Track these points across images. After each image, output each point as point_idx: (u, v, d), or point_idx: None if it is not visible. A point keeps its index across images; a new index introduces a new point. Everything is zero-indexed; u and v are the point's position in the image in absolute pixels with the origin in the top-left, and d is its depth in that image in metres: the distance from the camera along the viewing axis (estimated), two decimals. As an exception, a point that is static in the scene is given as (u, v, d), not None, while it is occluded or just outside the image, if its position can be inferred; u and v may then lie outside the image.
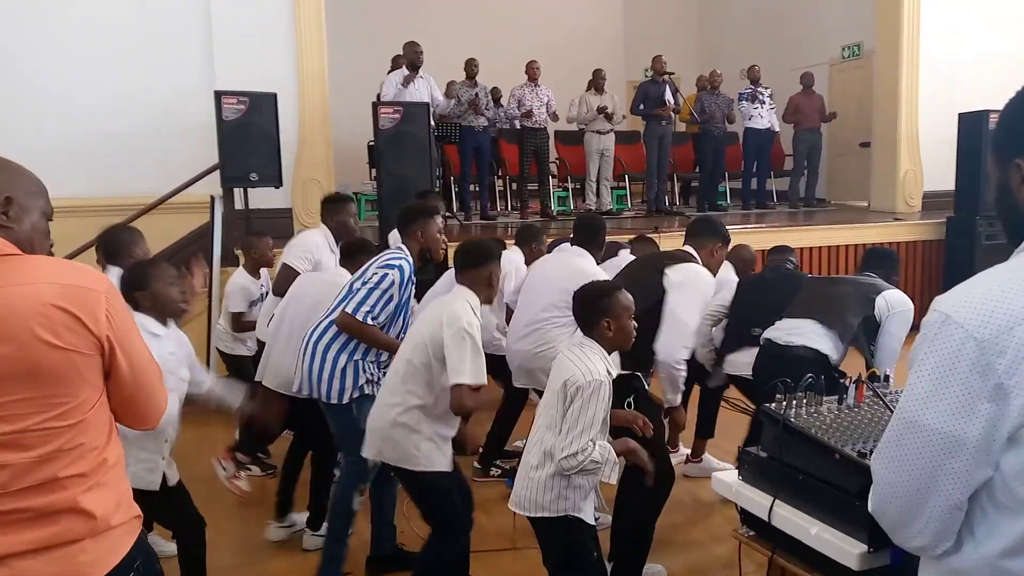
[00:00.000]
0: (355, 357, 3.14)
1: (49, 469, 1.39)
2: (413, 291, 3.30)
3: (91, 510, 1.43)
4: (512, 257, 4.43)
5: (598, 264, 4.01)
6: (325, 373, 3.14)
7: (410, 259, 3.22)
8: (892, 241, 7.45)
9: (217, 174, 5.87)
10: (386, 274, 3.13)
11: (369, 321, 3.09)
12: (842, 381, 2.22)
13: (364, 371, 3.15)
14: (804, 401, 2.06)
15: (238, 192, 5.98)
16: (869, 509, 1.19)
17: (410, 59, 7.19)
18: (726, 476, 2.22)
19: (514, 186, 9.08)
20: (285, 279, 4.07)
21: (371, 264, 3.22)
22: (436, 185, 7.29)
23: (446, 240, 3.41)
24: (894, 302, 3.34)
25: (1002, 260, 1.12)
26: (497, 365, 4.08)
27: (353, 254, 3.71)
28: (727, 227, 3.66)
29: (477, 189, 8.65)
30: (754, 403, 3.59)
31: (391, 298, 3.14)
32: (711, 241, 3.42)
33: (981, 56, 8.45)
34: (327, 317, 3.22)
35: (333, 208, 4.38)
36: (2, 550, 1.37)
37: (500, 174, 9.18)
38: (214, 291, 5.57)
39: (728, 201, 9.64)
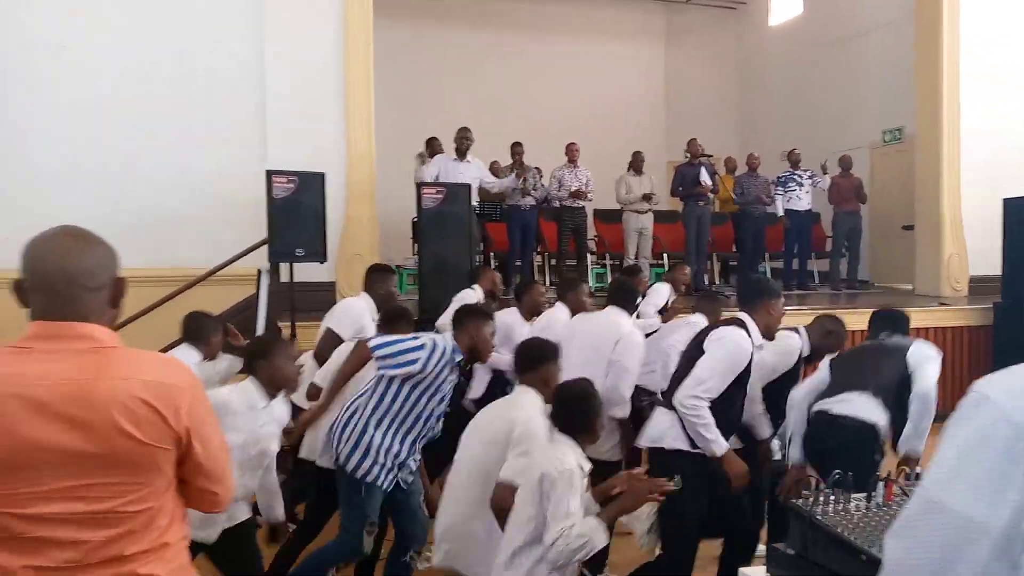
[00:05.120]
0: (382, 440, 3.17)
1: (116, 547, 1.48)
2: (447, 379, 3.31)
3: (150, 573, 1.51)
4: (558, 315, 4.53)
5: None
6: (350, 442, 3.19)
7: (450, 344, 3.25)
8: (938, 326, 7.32)
9: (265, 248, 6.08)
10: (416, 337, 3.20)
11: (376, 353, 3.14)
12: (876, 474, 2.19)
13: (385, 458, 3.19)
14: (831, 498, 2.04)
15: (284, 266, 6.17)
16: None
17: (457, 143, 7.48)
18: (754, 573, 2.19)
19: (553, 262, 9.20)
20: (328, 344, 4.14)
21: None
22: (476, 261, 7.45)
23: (493, 344, 3.47)
24: (924, 349, 3.48)
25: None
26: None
27: (393, 321, 3.78)
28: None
29: (519, 264, 8.80)
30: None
31: (411, 361, 3.13)
32: (762, 300, 3.43)
33: (1024, 141, 8.45)
34: (363, 391, 3.29)
35: (379, 278, 4.53)
36: None
37: (539, 250, 9.33)
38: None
39: (769, 281, 9.60)
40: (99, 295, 1.52)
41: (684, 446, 3.17)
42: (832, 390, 3.49)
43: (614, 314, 4.11)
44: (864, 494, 2.07)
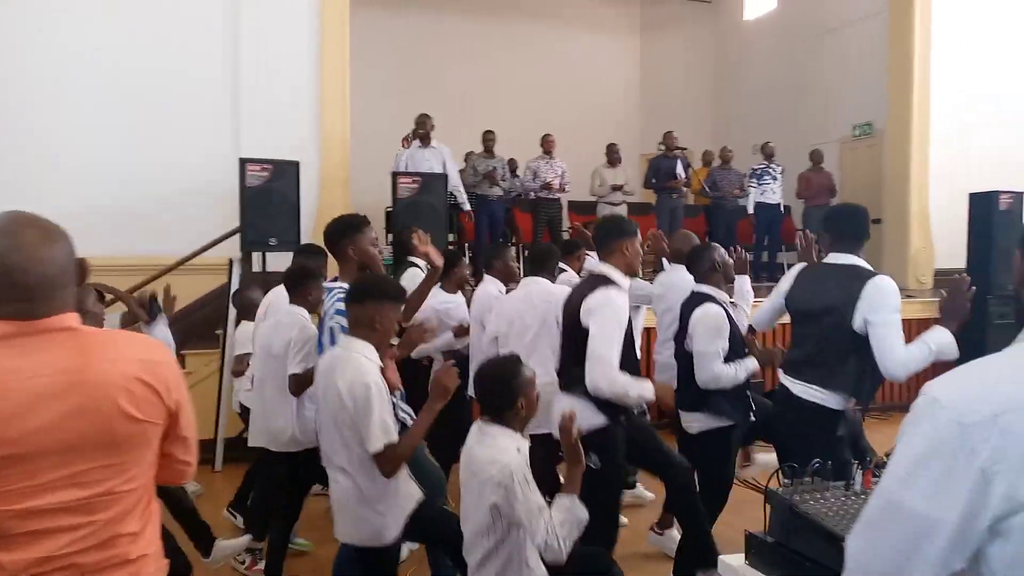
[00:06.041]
0: None
1: (112, 529, 1.48)
2: None
3: (139, 554, 1.52)
4: (488, 289, 4.53)
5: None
6: None
7: (341, 294, 2.98)
8: (905, 319, 7.41)
9: (238, 237, 6.00)
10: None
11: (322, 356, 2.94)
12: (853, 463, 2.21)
13: None
14: (811, 486, 2.07)
15: (256, 255, 6.10)
16: None
17: (416, 129, 7.45)
18: (733, 560, 2.21)
19: (527, 253, 9.20)
20: None
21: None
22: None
23: (380, 251, 3.27)
24: (876, 298, 3.10)
25: (1010, 341, 1.13)
26: None
27: (297, 283, 3.59)
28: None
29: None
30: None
31: (331, 333, 3.01)
32: (616, 241, 3.21)
33: (991, 137, 8.61)
34: None
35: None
36: None
37: (514, 241, 9.33)
38: (227, 349, 5.62)
39: (740, 273, 9.70)
40: (71, 285, 1.51)
41: (602, 421, 3.05)
42: (794, 355, 3.37)
43: (533, 284, 4.10)
44: (843, 482, 2.11)
